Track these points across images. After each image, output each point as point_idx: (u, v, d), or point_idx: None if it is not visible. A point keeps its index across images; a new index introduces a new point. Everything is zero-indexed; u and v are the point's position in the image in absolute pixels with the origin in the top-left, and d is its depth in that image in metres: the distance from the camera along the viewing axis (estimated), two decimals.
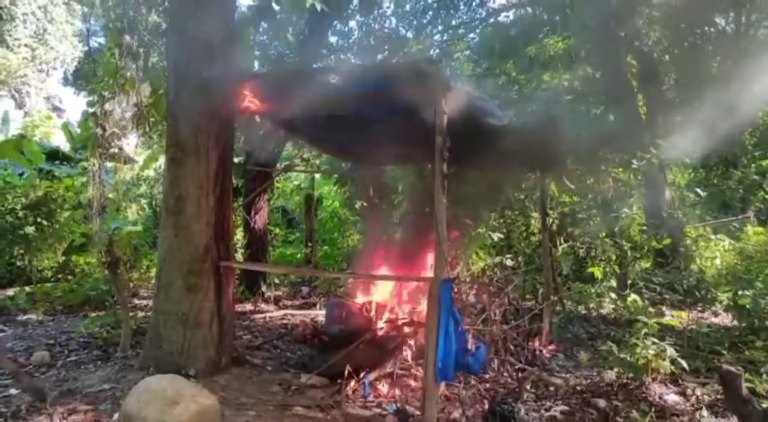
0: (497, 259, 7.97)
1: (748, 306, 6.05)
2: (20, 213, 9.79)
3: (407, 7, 14.64)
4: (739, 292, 6.28)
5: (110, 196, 10.67)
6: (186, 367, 4.53)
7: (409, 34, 13.97)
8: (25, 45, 25.42)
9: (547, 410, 4.32)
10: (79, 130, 12.31)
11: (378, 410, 4.21)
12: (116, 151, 10.37)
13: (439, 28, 14.98)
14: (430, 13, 14.86)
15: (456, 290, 4.95)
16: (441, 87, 3.70)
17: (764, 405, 3.46)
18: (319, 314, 7.97)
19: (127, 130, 9.54)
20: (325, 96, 4.13)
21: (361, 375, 4.70)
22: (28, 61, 25.89)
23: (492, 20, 14.82)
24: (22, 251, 9.90)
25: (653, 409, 4.14)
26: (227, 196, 5.00)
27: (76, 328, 6.34)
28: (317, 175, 13.19)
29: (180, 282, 4.68)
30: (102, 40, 10.56)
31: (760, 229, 10.02)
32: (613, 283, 8.12)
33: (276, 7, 8.50)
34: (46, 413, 3.67)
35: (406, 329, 5.13)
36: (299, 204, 13.98)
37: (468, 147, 4.95)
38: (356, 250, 11.29)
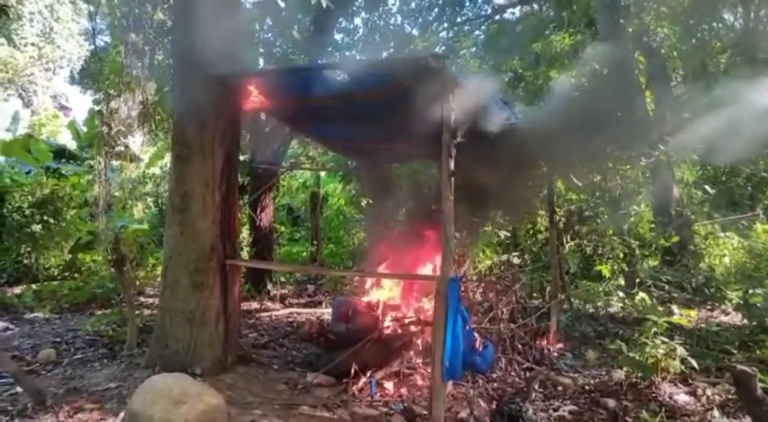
0: (504, 257, 7.92)
1: (759, 305, 5.97)
2: (27, 212, 9.82)
3: (412, 4, 14.61)
4: (750, 291, 6.21)
5: (116, 194, 10.70)
6: (192, 366, 4.52)
7: (415, 32, 13.93)
8: (32, 44, 25.55)
9: (555, 410, 4.28)
10: (85, 129, 12.35)
11: (385, 409, 4.18)
12: (122, 149, 10.39)
13: (445, 25, 14.93)
14: (436, 10, 14.82)
15: (463, 288, 4.92)
16: (448, 83, 3.66)
17: None
18: (325, 312, 7.95)
19: (132, 128, 9.55)
20: (331, 92, 4.11)
21: (368, 374, 4.67)
22: (34, 60, 26.01)
23: (498, 17, 14.77)
24: (28, 249, 9.93)
25: (663, 409, 4.09)
26: (233, 194, 4.98)
27: (83, 326, 6.35)
28: (323, 173, 13.17)
29: (186, 280, 4.66)
30: (108, 38, 10.59)
31: None
32: (621, 281, 8.06)
33: (281, 4, 8.47)
34: (52, 411, 3.67)
35: (413, 328, 5.10)
36: (305, 202, 13.97)
37: (475, 144, 4.90)
38: (362, 248, 11.27)
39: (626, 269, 8.30)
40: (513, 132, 4.65)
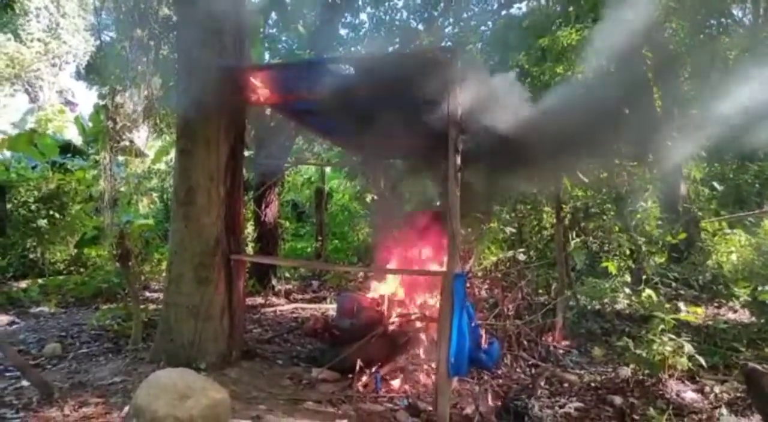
0: (509, 254, 7.88)
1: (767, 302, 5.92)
2: (33, 206, 9.86)
3: None
4: (759, 288, 6.15)
5: (122, 189, 10.71)
6: (197, 360, 4.51)
7: (420, 27, 13.84)
8: (38, 39, 25.60)
9: (561, 406, 4.25)
10: (90, 124, 12.38)
11: (390, 405, 4.16)
12: (127, 144, 10.40)
13: (451, 20, 14.83)
14: (442, 4, 14.71)
15: (468, 285, 4.89)
16: (456, 76, 3.62)
17: None
18: (330, 308, 7.94)
19: (138, 123, 9.56)
20: (337, 86, 4.07)
21: (373, 369, 4.65)
22: (41, 55, 26.07)
23: (504, 12, 14.66)
24: (34, 244, 9.97)
25: (671, 407, 4.05)
26: (238, 189, 4.96)
27: (88, 321, 6.36)
28: (328, 169, 13.15)
29: (191, 274, 4.65)
30: (114, 33, 10.58)
31: None
32: (628, 278, 8.00)
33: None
34: (57, 405, 3.66)
35: (419, 324, 5.08)
36: (309, 198, 13.96)
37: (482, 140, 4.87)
38: (367, 244, 11.25)
39: (633, 266, 8.25)
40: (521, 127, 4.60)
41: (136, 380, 4.02)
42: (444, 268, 3.90)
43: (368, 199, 10.96)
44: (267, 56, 9.43)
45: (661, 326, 4.69)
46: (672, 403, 4.17)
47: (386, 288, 5.69)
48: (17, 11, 21.35)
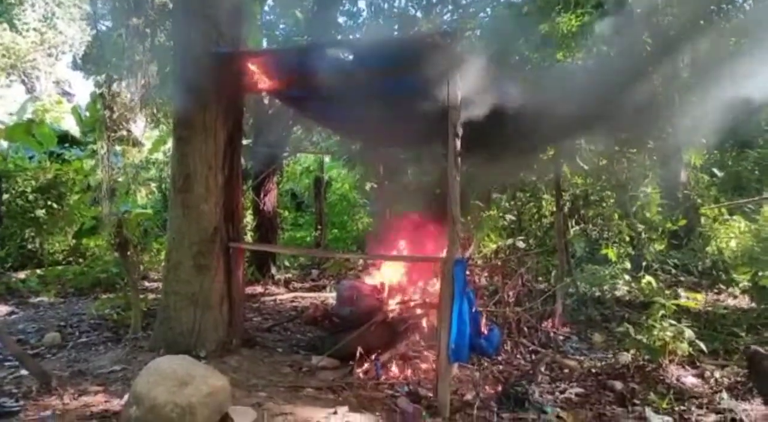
0: (509, 241, 7.86)
1: None
2: (31, 197, 9.81)
3: None
4: (759, 273, 6.15)
5: (119, 179, 10.67)
6: (196, 348, 4.51)
7: (419, 14, 13.72)
8: (34, 29, 25.34)
9: (561, 392, 4.25)
10: (87, 114, 12.29)
11: (390, 391, 4.15)
12: (124, 133, 10.34)
13: (450, 7, 14.69)
14: None
15: (468, 272, 4.86)
16: (455, 60, 3.57)
17: None
18: (329, 296, 7.94)
19: (135, 112, 9.49)
20: (336, 72, 4.02)
21: (373, 356, 4.64)
22: (36, 46, 25.82)
23: None
24: (33, 234, 9.94)
25: (671, 391, 4.05)
26: (236, 176, 4.93)
27: (87, 310, 6.36)
28: (326, 158, 13.08)
29: (189, 262, 4.63)
30: (110, 23, 10.47)
31: None
32: (627, 265, 8.00)
33: None
34: (57, 394, 3.65)
35: (419, 310, 5.07)
36: (308, 187, 13.91)
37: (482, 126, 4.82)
38: (366, 232, 11.22)
39: (632, 253, 8.24)
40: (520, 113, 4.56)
41: (136, 368, 4.01)
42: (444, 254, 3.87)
43: (367, 187, 10.91)
44: (265, 43, 9.34)
45: (662, 312, 4.68)
46: (672, 388, 4.17)
47: (388, 275, 5.68)
48: (12, 0, 21.18)
